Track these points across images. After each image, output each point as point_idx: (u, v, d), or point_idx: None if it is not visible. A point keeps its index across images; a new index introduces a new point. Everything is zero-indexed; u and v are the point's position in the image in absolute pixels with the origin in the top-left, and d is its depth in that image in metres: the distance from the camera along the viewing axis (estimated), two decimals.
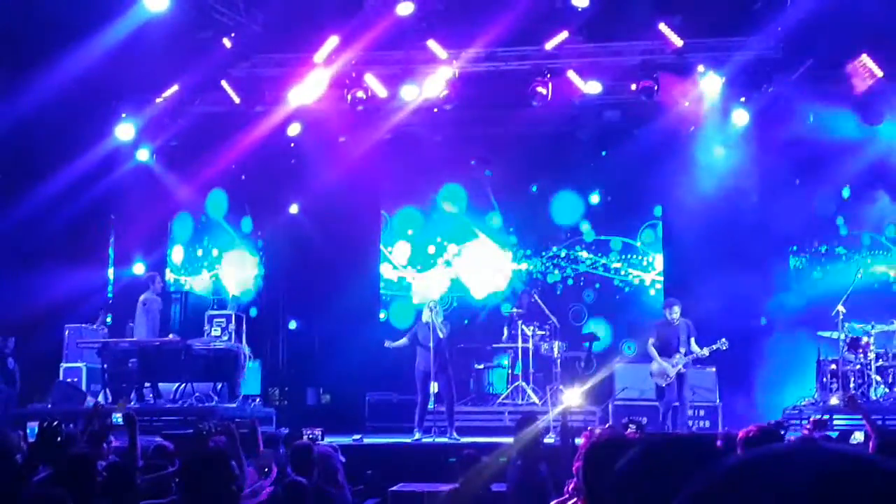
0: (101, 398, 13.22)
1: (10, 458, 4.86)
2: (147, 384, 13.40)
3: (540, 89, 14.38)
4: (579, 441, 6.59)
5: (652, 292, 17.11)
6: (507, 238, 17.64)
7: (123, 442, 7.29)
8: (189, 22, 13.43)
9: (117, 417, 7.37)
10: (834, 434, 8.47)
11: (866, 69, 13.57)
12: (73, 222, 14.80)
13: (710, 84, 14.39)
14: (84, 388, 13.81)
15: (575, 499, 4.64)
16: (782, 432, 7.19)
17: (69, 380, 13.89)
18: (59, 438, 5.19)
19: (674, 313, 12.85)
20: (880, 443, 6.26)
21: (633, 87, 14.43)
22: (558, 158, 16.74)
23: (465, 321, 16.83)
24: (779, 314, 15.23)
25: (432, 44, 14.22)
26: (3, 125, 12.99)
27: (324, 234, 17.33)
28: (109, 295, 16.26)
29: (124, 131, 15.23)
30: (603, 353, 15.72)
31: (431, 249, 17.84)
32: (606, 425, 12.51)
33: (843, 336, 13.22)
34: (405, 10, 13.47)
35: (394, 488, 9.90)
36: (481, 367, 15.59)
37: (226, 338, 13.67)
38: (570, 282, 17.37)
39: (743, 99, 14.74)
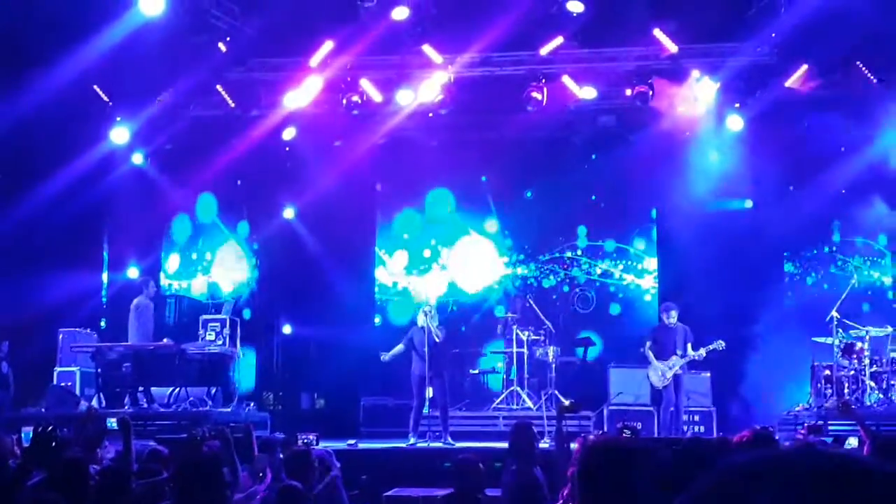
0: (94, 402, 13.20)
1: (4, 463, 4.85)
2: (141, 388, 13.36)
3: (535, 94, 14.40)
4: (574, 446, 6.59)
5: (647, 297, 17.12)
6: (502, 241, 17.66)
7: (118, 446, 7.27)
8: (184, 26, 13.43)
9: (112, 422, 7.36)
10: (828, 439, 8.48)
11: (860, 75, 13.62)
12: (67, 226, 14.78)
13: (704, 89, 14.41)
14: (78, 392, 13.77)
15: None
16: (776, 437, 7.21)
17: (63, 384, 13.85)
18: (53, 443, 5.17)
19: (671, 317, 12.88)
20: (875, 448, 6.27)
21: (628, 92, 14.46)
22: (553, 163, 16.75)
23: (462, 328, 16.84)
24: (773, 320, 15.24)
25: (427, 49, 14.25)
26: None
27: (319, 238, 17.32)
28: (103, 299, 16.23)
29: (119, 135, 15.22)
30: (597, 359, 15.73)
31: (427, 253, 17.85)
32: (599, 432, 12.53)
33: (837, 341, 13.24)
34: (400, 14, 13.49)
35: (388, 493, 9.89)
36: (476, 371, 15.59)
37: (220, 342, 13.65)
38: (565, 288, 17.37)
39: (737, 104, 14.78)
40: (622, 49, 14.49)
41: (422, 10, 13.68)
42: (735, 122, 14.90)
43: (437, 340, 12.48)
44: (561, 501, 5.20)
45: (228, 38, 13.98)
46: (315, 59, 14.38)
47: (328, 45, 14.24)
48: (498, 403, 14.68)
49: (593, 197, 17.33)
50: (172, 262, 17.32)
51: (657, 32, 13.82)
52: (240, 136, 15.52)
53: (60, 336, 14.34)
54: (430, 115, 15.51)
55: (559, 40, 14.04)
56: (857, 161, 14.88)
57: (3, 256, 13.98)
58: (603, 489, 3.39)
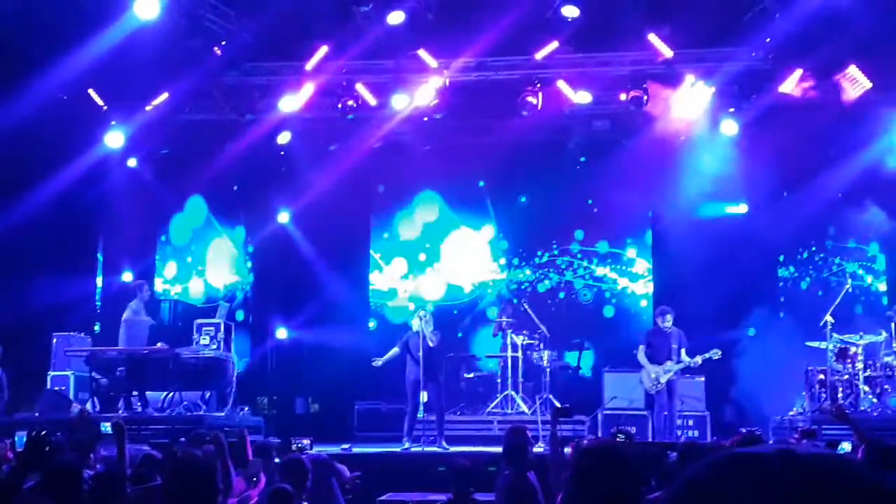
0: (88, 406, 13.17)
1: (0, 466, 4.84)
2: (135, 393, 13.33)
3: (530, 99, 14.43)
4: (568, 451, 6.60)
5: (643, 303, 17.15)
6: (497, 243, 17.70)
7: (112, 451, 7.26)
8: (179, 30, 13.42)
9: (106, 426, 7.34)
10: (822, 444, 8.49)
11: (855, 80, 13.65)
12: (62, 230, 14.76)
13: (699, 94, 14.45)
14: (72, 396, 13.74)
15: None
16: (771, 441, 7.22)
17: (57, 388, 13.82)
18: (47, 447, 5.17)
19: (666, 321, 12.88)
20: (869, 451, 6.28)
21: (623, 97, 14.49)
22: (548, 168, 16.77)
23: (459, 334, 16.84)
24: (767, 324, 15.27)
25: (423, 53, 14.26)
26: None
27: (313, 242, 17.34)
28: (98, 303, 16.21)
29: (114, 139, 15.21)
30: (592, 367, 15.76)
31: (423, 257, 17.87)
32: (593, 436, 12.53)
33: (831, 346, 13.26)
34: (396, 19, 13.51)
35: (382, 498, 9.88)
36: (471, 375, 15.59)
37: (214, 346, 13.63)
38: (561, 294, 17.40)
39: (732, 109, 14.83)
40: (617, 54, 14.52)
41: (417, 14, 13.69)
42: (729, 127, 14.94)
43: (432, 345, 12.48)
44: None
45: (224, 42, 13.98)
46: (310, 64, 14.40)
47: (323, 50, 14.26)
48: (492, 408, 14.68)
49: (588, 201, 17.37)
50: (169, 268, 17.31)
51: (652, 37, 13.85)
52: (235, 141, 15.53)
53: (54, 340, 14.31)
54: (426, 119, 15.53)
55: (554, 45, 14.07)
56: (851, 166, 14.92)
57: None
58: (597, 493, 3.40)
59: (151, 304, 14.68)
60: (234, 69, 14.82)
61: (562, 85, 14.68)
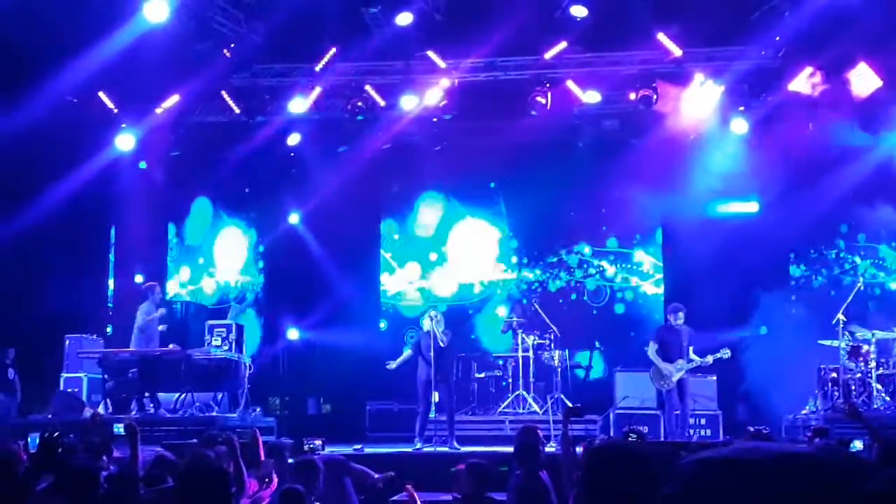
0: (101, 408, 13.22)
1: (14, 467, 4.87)
2: (147, 394, 13.37)
3: (539, 99, 14.42)
4: (579, 450, 6.59)
5: (655, 301, 17.12)
6: (507, 242, 17.73)
7: (124, 452, 7.28)
8: (189, 33, 13.46)
9: (119, 428, 7.37)
10: (833, 442, 8.46)
11: (865, 78, 13.60)
12: (73, 233, 14.82)
13: (708, 93, 14.42)
14: (85, 398, 13.80)
15: None
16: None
17: (70, 390, 13.88)
18: (59, 449, 5.19)
19: (679, 318, 12.83)
20: (882, 450, 6.25)
21: (632, 96, 14.47)
22: (557, 167, 16.75)
23: (472, 336, 16.83)
24: (779, 322, 15.22)
25: (432, 54, 14.27)
26: (4, 135, 13.01)
27: (324, 243, 17.36)
28: (110, 305, 16.26)
29: (125, 142, 15.26)
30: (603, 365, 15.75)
31: (433, 256, 17.89)
32: (604, 436, 12.51)
33: (843, 344, 13.22)
34: (405, 20, 13.51)
35: (395, 498, 9.88)
36: (482, 375, 15.58)
37: (226, 347, 13.66)
38: (573, 296, 17.39)
39: (742, 108, 14.79)
40: (626, 53, 14.51)
41: (426, 15, 13.70)
42: (739, 126, 14.90)
43: (443, 345, 12.48)
44: None
45: (233, 45, 14.01)
46: (319, 65, 14.42)
47: (332, 51, 14.28)
48: (504, 407, 14.68)
49: (598, 200, 17.33)
50: (181, 270, 17.37)
51: (661, 36, 13.82)
52: (245, 143, 15.57)
53: (67, 342, 14.37)
54: (435, 120, 15.54)
55: (563, 45, 14.06)
56: (862, 164, 14.87)
57: (9, 263, 14.01)
58: (608, 493, 3.40)
59: (163, 305, 14.71)
60: (243, 71, 14.86)
61: (571, 85, 14.67)
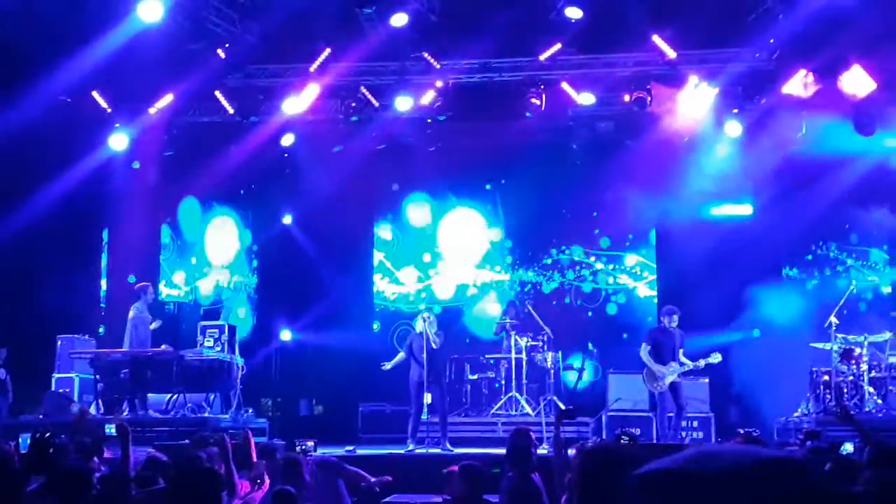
0: (92, 409, 13.18)
1: (9, 467, 4.84)
2: (140, 395, 13.33)
3: (534, 100, 14.43)
4: (571, 452, 6.58)
5: (645, 302, 17.13)
6: (503, 244, 17.74)
7: (116, 453, 7.26)
8: (183, 33, 13.44)
9: (110, 429, 7.35)
10: (825, 445, 8.47)
11: (859, 80, 13.62)
12: (66, 232, 14.77)
13: (703, 95, 14.44)
14: (77, 398, 13.76)
15: None
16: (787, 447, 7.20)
17: (61, 390, 13.84)
18: (51, 449, 5.17)
19: (673, 321, 12.81)
20: (873, 452, 6.25)
21: (627, 98, 14.48)
22: (551, 169, 16.76)
23: (467, 340, 16.81)
24: (771, 325, 15.25)
25: (426, 55, 14.27)
26: None
27: (317, 244, 17.35)
28: (102, 305, 16.22)
29: (118, 142, 15.22)
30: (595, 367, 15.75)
31: (427, 258, 17.89)
32: (597, 438, 12.51)
33: (835, 347, 13.23)
34: (399, 21, 13.50)
35: (387, 500, 9.87)
36: (475, 377, 15.58)
37: (218, 348, 13.64)
38: (567, 299, 17.39)
39: (736, 110, 14.80)
40: (620, 55, 14.52)
41: (420, 16, 13.69)
42: (733, 128, 14.91)
43: (435, 347, 12.48)
44: None
45: (227, 45, 13.99)
46: (314, 66, 14.40)
47: (327, 52, 14.26)
48: (497, 409, 14.68)
49: (592, 202, 17.35)
50: (174, 270, 17.33)
51: (656, 38, 13.83)
52: (239, 143, 15.54)
53: (59, 342, 14.34)
54: (429, 121, 15.53)
55: (557, 46, 14.07)
56: (856, 166, 14.89)
57: (1, 262, 13.97)
58: (600, 496, 3.39)
59: (155, 306, 14.68)
60: (237, 71, 14.84)
61: (565, 86, 14.68)
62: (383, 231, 18.07)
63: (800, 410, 13.41)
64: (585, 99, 14.78)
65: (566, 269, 17.52)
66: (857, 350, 13.10)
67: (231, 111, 15.10)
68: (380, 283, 17.93)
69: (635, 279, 17.31)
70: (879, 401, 12.94)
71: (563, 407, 11.12)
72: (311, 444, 9.63)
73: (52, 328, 14.36)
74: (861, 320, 13.97)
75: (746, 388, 14.55)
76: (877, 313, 15.03)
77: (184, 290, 17.38)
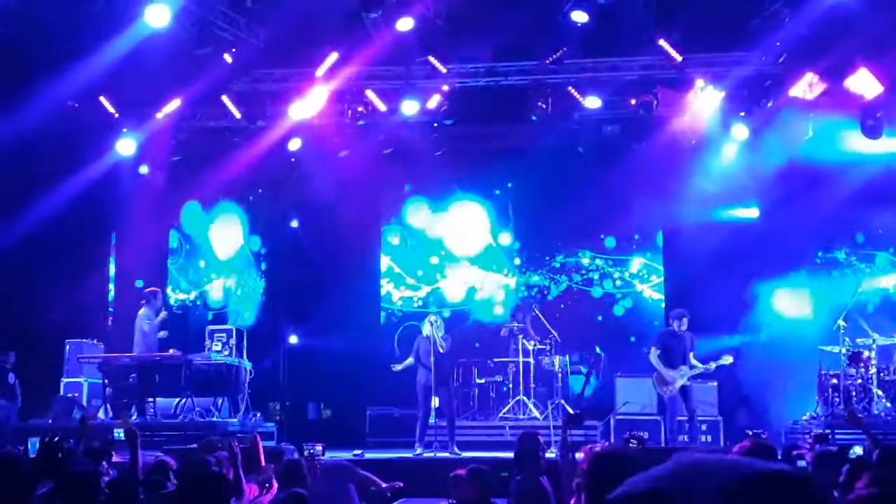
0: (101, 413, 13.21)
1: (19, 472, 4.87)
2: (149, 399, 13.36)
3: (540, 104, 14.44)
4: (579, 455, 6.59)
5: (653, 305, 17.11)
6: (510, 248, 17.75)
7: (124, 457, 7.28)
8: (190, 38, 13.47)
9: (119, 433, 7.37)
10: (834, 448, 8.46)
11: (866, 83, 13.60)
12: (74, 237, 14.83)
13: (709, 99, 14.43)
14: (85, 403, 13.79)
15: None
16: (795, 451, 7.19)
17: (70, 395, 13.87)
18: (59, 454, 5.19)
19: (683, 325, 12.78)
20: (881, 455, 6.25)
21: (633, 101, 14.48)
22: (558, 173, 16.74)
23: (477, 344, 16.79)
24: (779, 328, 15.21)
25: (432, 59, 14.28)
26: (5, 140, 13.02)
27: (324, 248, 17.36)
28: (110, 310, 16.26)
29: (125, 147, 15.27)
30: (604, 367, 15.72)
31: (434, 260, 17.89)
32: (605, 442, 12.49)
33: (844, 350, 13.21)
34: (405, 25, 13.52)
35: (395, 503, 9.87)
36: (482, 381, 15.57)
37: (226, 352, 13.66)
38: (574, 303, 17.37)
39: (742, 113, 14.78)
40: (627, 59, 14.52)
41: (427, 21, 13.71)
42: (740, 131, 14.90)
43: (442, 350, 12.48)
44: None
45: (234, 50, 14.02)
46: (320, 70, 14.43)
47: (333, 56, 14.28)
48: (504, 413, 14.67)
49: (599, 206, 17.31)
50: (182, 274, 17.38)
51: (662, 42, 13.83)
52: (246, 147, 15.57)
53: (67, 347, 14.38)
54: (435, 125, 15.55)
55: (563, 50, 14.07)
56: (863, 169, 14.86)
57: (10, 268, 14.02)
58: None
59: (164, 310, 14.69)
60: (244, 76, 14.87)
61: (571, 90, 14.68)
62: (390, 235, 18.07)
63: (808, 414, 13.39)
64: (592, 103, 14.77)
65: (573, 272, 17.50)
66: (866, 353, 13.08)
67: (238, 116, 15.13)
68: (387, 287, 17.93)
69: (642, 282, 17.29)
70: (888, 403, 12.91)
71: (571, 411, 11.13)
72: (319, 447, 9.63)
73: (60, 333, 14.40)
74: (869, 322, 13.92)
75: (755, 392, 14.51)
76: (886, 316, 14.98)
77: (192, 294, 17.42)
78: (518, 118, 15.07)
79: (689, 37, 13.75)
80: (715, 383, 14.02)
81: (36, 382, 13.96)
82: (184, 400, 13.28)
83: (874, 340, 13.18)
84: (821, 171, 14.98)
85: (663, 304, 16.77)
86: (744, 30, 13.64)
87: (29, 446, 8.28)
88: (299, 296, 17.74)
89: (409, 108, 14.86)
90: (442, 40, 14.11)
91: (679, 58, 13.89)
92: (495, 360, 15.49)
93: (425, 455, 12.41)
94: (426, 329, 12.69)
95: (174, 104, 14.97)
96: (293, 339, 17.63)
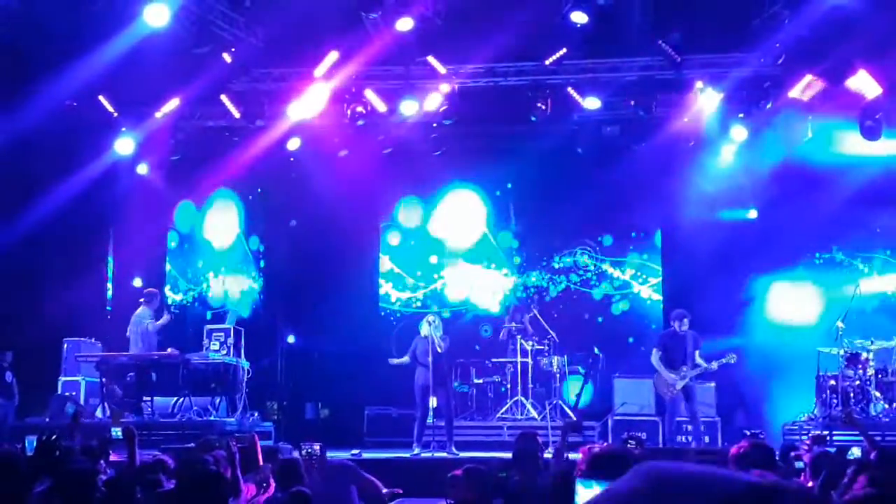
0: (98, 412, 13.21)
1: (16, 470, 4.87)
2: (146, 398, 13.36)
3: (539, 105, 14.44)
4: (576, 456, 6.58)
5: (651, 306, 17.11)
6: (510, 248, 17.74)
7: (122, 456, 7.28)
8: (189, 37, 13.46)
9: (117, 431, 7.37)
10: (832, 449, 8.47)
11: (865, 85, 13.61)
12: (72, 236, 14.82)
13: (708, 100, 14.43)
14: (83, 402, 13.79)
15: None
16: (793, 452, 7.19)
17: (67, 394, 13.86)
18: (56, 452, 5.19)
19: (684, 325, 12.76)
20: (878, 457, 6.25)
21: (632, 102, 14.48)
22: (557, 174, 16.75)
23: (476, 347, 16.79)
24: (777, 329, 15.22)
25: (432, 59, 14.28)
26: (3, 139, 13.02)
27: (323, 248, 17.35)
28: (108, 309, 16.25)
29: (124, 146, 15.26)
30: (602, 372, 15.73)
31: (433, 259, 17.89)
32: (603, 442, 12.50)
33: (842, 352, 13.21)
34: (405, 25, 13.51)
35: None
36: (481, 381, 15.57)
37: (224, 352, 13.65)
38: (572, 303, 17.38)
39: (741, 115, 14.79)
40: (626, 59, 14.52)
41: (426, 21, 13.70)
42: (739, 133, 14.90)
43: (440, 351, 12.47)
44: None
45: (233, 49, 14.01)
46: (320, 70, 14.42)
47: (333, 56, 14.27)
48: (502, 413, 14.67)
49: (598, 206, 17.32)
50: (180, 273, 17.35)
51: (661, 43, 13.83)
52: (245, 147, 15.57)
53: (65, 346, 14.37)
54: (435, 125, 15.54)
55: (563, 51, 14.07)
56: (861, 170, 14.87)
57: (9, 266, 14.02)
58: None
59: (161, 310, 14.69)
60: (243, 75, 14.86)
61: (571, 91, 14.69)
62: (390, 235, 18.07)
63: (806, 415, 13.39)
64: (591, 103, 14.78)
65: (571, 272, 17.51)
66: (864, 354, 13.09)
67: (237, 115, 15.12)
68: (386, 287, 17.93)
69: (641, 283, 17.29)
70: (886, 405, 12.92)
71: (571, 414, 11.13)
72: (317, 447, 9.62)
73: (58, 332, 14.39)
74: (867, 324, 13.93)
75: (753, 393, 14.52)
76: (884, 318, 14.99)
77: (190, 293, 17.41)
78: (517, 118, 15.06)
79: (689, 38, 13.75)
80: (713, 384, 14.03)
81: (33, 381, 13.96)
82: (181, 399, 13.28)
83: (872, 342, 13.19)
84: (819, 173, 14.99)
85: (661, 305, 16.77)
86: (743, 31, 13.64)
87: (26, 444, 8.28)
88: (298, 295, 17.74)
89: (409, 108, 14.86)
90: (441, 40, 14.10)
91: (678, 59, 13.90)
92: (493, 360, 15.50)
93: (423, 455, 12.41)
94: (424, 329, 12.69)
95: (173, 103, 14.96)
96: (291, 339, 17.63)
